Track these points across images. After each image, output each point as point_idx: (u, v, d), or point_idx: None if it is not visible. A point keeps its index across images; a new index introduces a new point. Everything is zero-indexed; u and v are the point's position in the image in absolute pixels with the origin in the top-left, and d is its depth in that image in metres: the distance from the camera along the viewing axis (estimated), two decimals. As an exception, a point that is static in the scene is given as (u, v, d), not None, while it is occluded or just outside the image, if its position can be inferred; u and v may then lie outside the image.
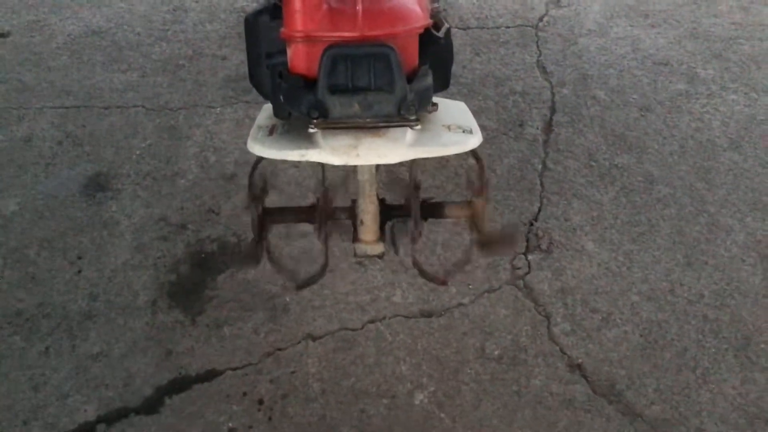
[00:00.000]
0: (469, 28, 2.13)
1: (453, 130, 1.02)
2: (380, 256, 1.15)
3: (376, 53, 0.85)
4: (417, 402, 1.18)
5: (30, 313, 1.33)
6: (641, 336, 1.29)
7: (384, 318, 1.31)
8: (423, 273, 1.23)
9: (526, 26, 2.13)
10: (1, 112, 1.81)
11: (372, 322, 1.31)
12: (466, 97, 1.85)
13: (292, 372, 1.23)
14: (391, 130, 0.98)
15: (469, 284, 1.37)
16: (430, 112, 1.02)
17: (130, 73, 1.93)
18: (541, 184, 1.61)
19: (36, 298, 1.35)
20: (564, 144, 1.71)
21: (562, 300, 1.35)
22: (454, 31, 2.10)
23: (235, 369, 1.23)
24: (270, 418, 1.16)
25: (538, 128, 1.76)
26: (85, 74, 1.94)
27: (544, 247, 1.46)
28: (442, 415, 1.17)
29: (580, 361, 1.25)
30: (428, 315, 1.32)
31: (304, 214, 1.17)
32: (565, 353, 1.26)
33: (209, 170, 1.62)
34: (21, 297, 1.36)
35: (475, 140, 1.00)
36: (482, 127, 1.65)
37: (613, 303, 1.35)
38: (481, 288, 1.37)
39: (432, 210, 1.19)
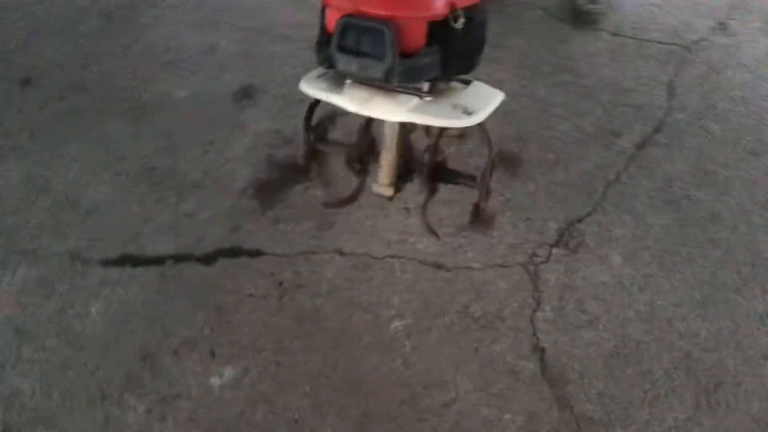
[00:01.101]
0: (619, 35, 2.19)
1: (456, 109, 1.22)
2: (389, 198, 1.39)
3: (374, 27, 1.07)
4: (392, 326, 1.42)
5: (161, 172, 1.76)
6: (614, 346, 1.40)
7: (402, 257, 1.55)
8: (427, 226, 1.45)
9: (678, 46, 2.14)
10: (198, 21, 2.28)
11: (392, 257, 1.55)
12: (579, 98, 1.95)
13: (313, 272, 1.52)
14: (402, 94, 1.21)
15: (487, 254, 1.56)
16: (445, 89, 1.22)
17: (305, 13, 2.30)
18: (604, 192, 1.71)
19: (168, 162, 1.79)
20: (648, 163, 1.78)
21: (560, 293, 1.48)
22: (601, 34, 2.18)
23: (274, 255, 1.55)
24: (281, 297, 1.47)
25: (631, 143, 1.83)
26: (270, 7, 2.35)
27: (571, 246, 1.58)
28: (406, 342, 1.40)
29: (545, 346, 1.40)
30: (438, 267, 1.53)
31: (344, 148, 1.45)
32: (535, 335, 1.41)
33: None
34: (160, 159, 1.80)
35: (465, 121, 1.20)
36: (576, 129, 1.79)
37: (606, 311, 1.45)
38: (495, 260, 1.55)
39: (441, 175, 1.40)
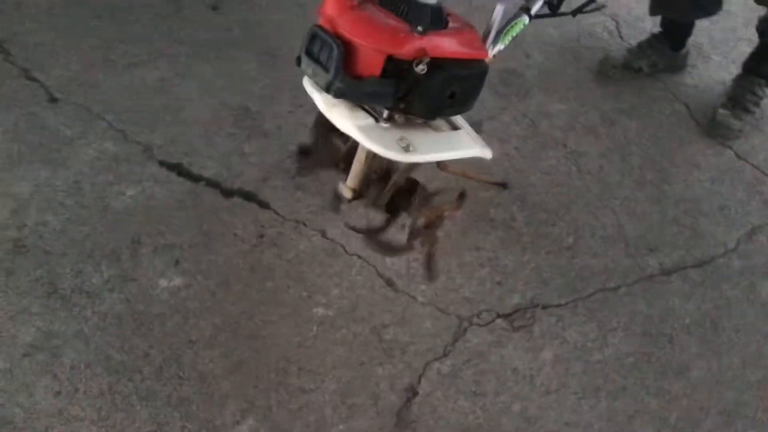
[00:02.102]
0: (744, 160, 2.03)
1: (399, 142, 1.32)
2: (348, 200, 1.51)
3: (329, 42, 1.21)
4: (314, 311, 1.59)
5: (251, 114, 2.07)
6: (477, 425, 1.43)
7: (367, 261, 1.68)
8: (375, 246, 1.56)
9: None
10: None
11: (359, 257, 1.69)
12: (644, 200, 1.88)
13: (291, 239, 1.73)
14: (362, 111, 1.34)
15: (437, 294, 1.64)
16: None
17: None
18: (589, 295, 1.67)
19: (259, 108, 2.09)
20: (659, 290, 1.69)
21: (469, 358, 1.53)
22: (725, 151, 2.03)
23: (275, 212, 1.78)
24: (254, 246, 1.71)
25: (660, 264, 1.74)
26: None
27: (516, 324, 1.61)
28: (315, 328, 1.56)
29: (419, 391, 1.48)
30: (389, 284, 1.65)
31: (341, 137, 1.56)
32: (419, 379, 1.50)
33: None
34: (257, 104, 2.11)
35: (395, 155, 1.29)
36: (615, 226, 1.75)
37: (496, 394, 1.48)
38: (439, 303, 1.63)
39: (394, 203, 1.50)
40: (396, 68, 1.23)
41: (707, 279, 1.73)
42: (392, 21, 1.24)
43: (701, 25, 2.43)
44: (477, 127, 2.03)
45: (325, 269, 1.68)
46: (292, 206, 1.81)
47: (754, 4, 1.97)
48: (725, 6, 2.41)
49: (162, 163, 1.90)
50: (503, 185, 1.90)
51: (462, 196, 1.49)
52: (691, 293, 1.69)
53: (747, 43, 2.37)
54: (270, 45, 2.33)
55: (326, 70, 1.23)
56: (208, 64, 2.23)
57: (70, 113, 2.02)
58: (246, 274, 1.65)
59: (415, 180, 1.49)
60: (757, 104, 2.09)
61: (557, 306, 1.65)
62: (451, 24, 1.32)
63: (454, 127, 1.46)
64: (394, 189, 1.46)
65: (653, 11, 2.20)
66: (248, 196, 1.83)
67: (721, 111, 2.08)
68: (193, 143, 1.95)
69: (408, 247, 1.49)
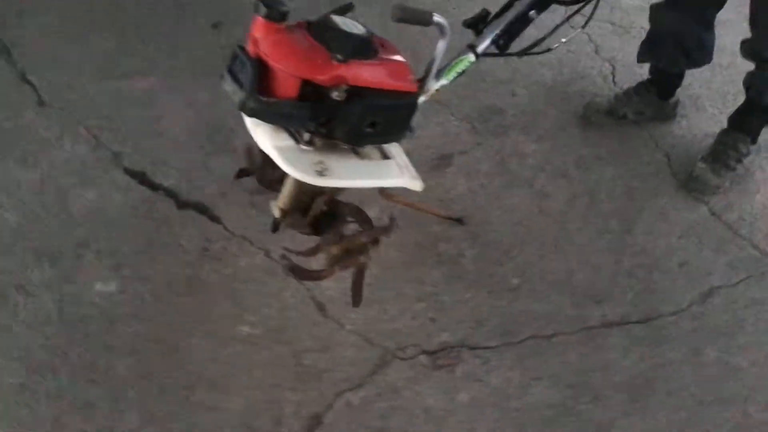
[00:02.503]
0: (717, 217, 1.96)
1: (315, 165, 1.31)
2: (275, 217, 1.50)
3: (245, 62, 1.23)
4: (238, 328, 1.59)
5: (219, 128, 2.10)
6: None
7: (303, 284, 1.68)
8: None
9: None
10: None
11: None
12: (603, 248, 1.82)
13: (234, 255, 1.74)
14: (284, 132, 1.35)
15: (366, 323, 1.62)
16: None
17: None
18: (521, 341, 1.62)
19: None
20: (599, 344, 1.63)
21: (382, 392, 1.50)
22: (698, 206, 1.97)
23: (224, 228, 1.79)
24: (196, 259, 1.72)
25: (603, 316, 1.68)
26: None
27: (439, 363, 1.57)
28: (238, 347, 1.56)
29: (324, 421, 1.45)
30: (320, 308, 1.64)
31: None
32: (329, 408, 1.47)
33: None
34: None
35: (306, 177, 1.29)
36: (566, 273, 1.70)
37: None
38: (367, 333, 1.60)
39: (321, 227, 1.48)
40: (315, 93, 1.24)
41: (650, 337, 1.65)
42: (313, 47, 1.25)
43: (701, 76, 2.37)
44: (447, 160, 2.03)
45: (260, 288, 1.68)
46: (243, 223, 1.82)
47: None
48: (730, 57, 2.35)
49: (126, 171, 1.95)
50: (459, 220, 1.87)
51: (388, 226, 1.47)
52: (629, 350, 1.62)
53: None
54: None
55: (239, 86, 1.25)
56: (197, 79, 2.27)
57: (52, 117, 2.10)
58: (181, 285, 1.67)
59: (340, 206, 1.48)
60: (739, 161, 2.01)
61: (486, 348, 1.61)
62: (381, 54, 1.32)
63: (385, 156, 1.45)
64: (317, 212, 1.46)
65: (640, 58, 2.16)
66: (202, 210, 1.85)
67: (700, 165, 2.01)
68: (161, 154, 1.99)
69: (325, 273, 1.47)
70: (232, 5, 2.61)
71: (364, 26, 1.31)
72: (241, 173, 1.67)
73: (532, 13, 1.47)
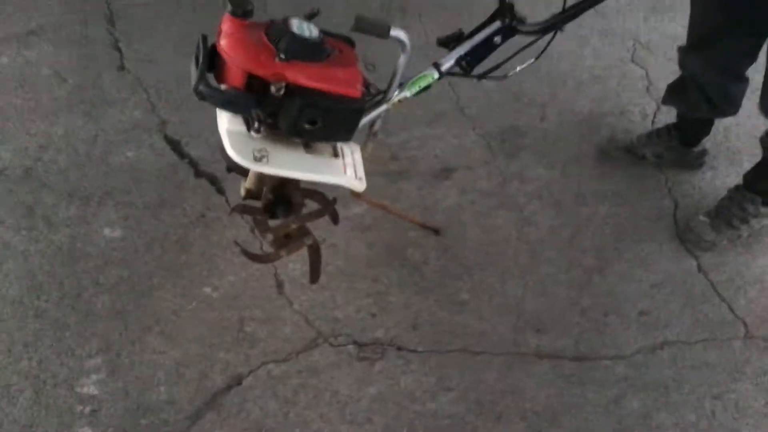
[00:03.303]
0: (705, 272, 1.89)
1: (255, 152, 1.43)
2: (243, 198, 1.67)
3: (200, 49, 1.40)
4: (203, 290, 1.81)
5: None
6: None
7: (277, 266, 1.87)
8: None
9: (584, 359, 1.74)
10: None
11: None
12: (571, 284, 1.84)
13: (225, 225, 1.96)
14: (239, 118, 1.49)
15: (312, 307, 1.78)
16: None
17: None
18: (438, 349, 1.70)
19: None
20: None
21: (286, 383, 1.66)
22: (689, 261, 1.91)
23: (225, 199, 2.02)
24: (192, 223, 1.96)
25: (536, 345, 1.72)
26: None
27: (363, 355, 1.69)
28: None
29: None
30: (279, 286, 1.82)
31: None
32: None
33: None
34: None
35: (247, 162, 1.42)
36: (515, 302, 1.78)
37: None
38: (310, 316, 1.76)
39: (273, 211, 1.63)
40: (260, 86, 1.37)
41: (577, 375, 1.67)
42: (262, 44, 1.35)
43: (745, 126, 2.26)
44: (448, 173, 2.12)
45: (233, 258, 1.88)
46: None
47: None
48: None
49: (166, 137, 2.22)
50: (436, 231, 1.96)
51: (318, 211, 1.59)
52: (551, 382, 1.65)
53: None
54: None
55: (196, 70, 1.41)
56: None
57: (125, 82, 2.43)
58: (171, 242, 1.92)
59: (290, 193, 1.62)
60: (744, 221, 1.92)
61: (411, 351, 1.70)
62: (330, 59, 1.39)
63: (336, 155, 1.56)
64: (266, 199, 1.61)
65: (665, 101, 2.10)
66: (213, 181, 2.09)
67: (700, 217, 1.94)
68: (199, 128, 2.24)
69: (271, 257, 1.62)
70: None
71: (324, 31, 1.41)
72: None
73: (496, 39, 1.51)
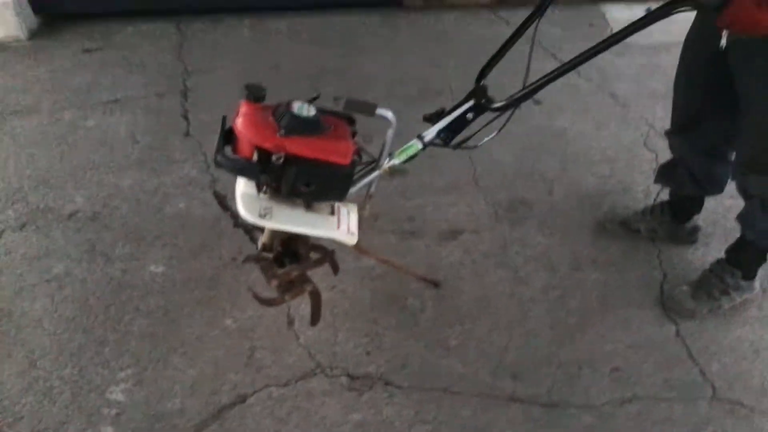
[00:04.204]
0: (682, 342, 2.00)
1: (261, 209, 1.75)
2: (259, 250, 1.94)
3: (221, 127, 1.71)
4: (225, 321, 2.08)
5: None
6: None
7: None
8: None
9: (552, 406, 1.85)
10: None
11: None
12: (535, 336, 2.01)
13: (252, 267, 2.24)
14: (252, 182, 1.80)
15: (316, 342, 2.01)
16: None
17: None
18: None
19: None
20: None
21: (299, 399, 1.88)
22: (667, 327, 2.05)
23: (255, 246, 2.32)
24: (225, 264, 2.26)
25: (511, 390, 1.88)
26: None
27: (352, 386, 1.90)
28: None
29: (248, 401, 1.87)
30: (289, 322, 2.07)
31: None
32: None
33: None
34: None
35: (251, 217, 1.70)
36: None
37: None
38: (310, 347, 2.00)
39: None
40: (265, 156, 1.63)
41: (545, 419, 1.82)
42: (267, 123, 1.63)
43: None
44: (455, 235, 2.37)
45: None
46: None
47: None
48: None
49: (215, 193, 2.56)
50: (435, 284, 2.18)
51: (317, 261, 1.85)
52: (519, 424, 1.81)
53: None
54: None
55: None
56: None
57: (188, 146, 2.81)
58: (204, 280, 2.21)
59: (297, 246, 1.86)
60: (724, 293, 2.04)
61: (397, 386, 1.90)
62: (324, 134, 1.65)
63: (332, 213, 1.80)
64: (276, 251, 1.85)
65: (656, 179, 2.28)
66: (248, 231, 2.39)
67: (683, 287, 2.08)
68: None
69: (277, 300, 1.85)
70: (351, 83, 3.20)
71: (323, 110, 1.69)
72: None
73: (468, 115, 1.73)
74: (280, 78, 3.28)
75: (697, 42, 1.88)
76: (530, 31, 1.72)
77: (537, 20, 1.68)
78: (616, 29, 3.56)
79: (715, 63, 1.79)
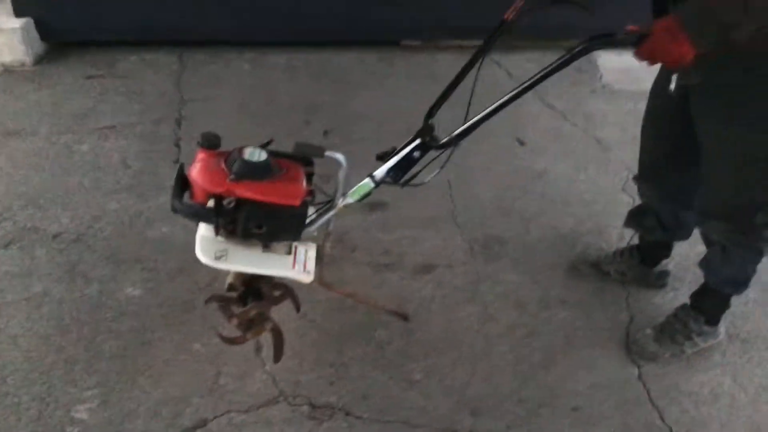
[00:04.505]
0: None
1: (216, 250, 1.77)
2: (226, 289, 1.97)
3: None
4: (193, 345, 2.12)
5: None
6: None
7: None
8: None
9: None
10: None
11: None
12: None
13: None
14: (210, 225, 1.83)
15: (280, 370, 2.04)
16: None
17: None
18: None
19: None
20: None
21: (258, 426, 1.91)
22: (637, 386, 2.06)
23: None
24: (201, 288, 2.31)
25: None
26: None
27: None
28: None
29: None
30: (257, 350, 2.11)
31: None
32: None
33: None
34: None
35: (206, 260, 1.73)
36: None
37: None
38: (275, 375, 2.03)
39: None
40: (217, 201, 1.68)
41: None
42: (218, 169, 1.68)
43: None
44: (429, 269, 2.41)
45: (224, 322, 2.17)
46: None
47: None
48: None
49: (197, 219, 2.61)
50: (405, 317, 2.21)
51: (276, 299, 1.87)
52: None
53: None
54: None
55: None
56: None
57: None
58: (178, 304, 2.26)
59: (260, 285, 1.89)
60: (687, 337, 2.06)
61: (357, 417, 1.93)
62: (274, 177, 1.70)
63: (289, 252, 1.81)
64: (240, 288, 1.88)
65: (625, 224, 2.32)
66: (226, 258, 2.43)
67: (646, 330, 2.10)
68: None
69: (239, 339, 1.88)
70: (342, 118, 3.27)
71: (277, 154, 1.75)
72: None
73: (415, 154, 1.76)
74: (273, 110, 3.36)
75: (661, 90, 1.93)
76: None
77: (481, 60, 1.74)
78: (606, 76, 3.78)
79: (677, 111, 1.84)
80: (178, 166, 1.76)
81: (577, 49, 1.52)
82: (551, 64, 1.56)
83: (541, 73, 1.57)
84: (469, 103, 1.76)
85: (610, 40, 1.53)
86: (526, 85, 1.59)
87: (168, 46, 3.93)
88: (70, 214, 2.62)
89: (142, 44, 3.91)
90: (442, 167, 1.82)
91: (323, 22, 3.92)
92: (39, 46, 3.76)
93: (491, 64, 3.70)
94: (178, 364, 2.06)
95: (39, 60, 3.73)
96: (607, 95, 3.52)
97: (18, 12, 3.66)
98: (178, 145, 3.08)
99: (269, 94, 3.52)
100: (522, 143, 3.11)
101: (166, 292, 2.29)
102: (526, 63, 3.70)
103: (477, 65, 1.74)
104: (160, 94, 3.50)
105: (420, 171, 1.80)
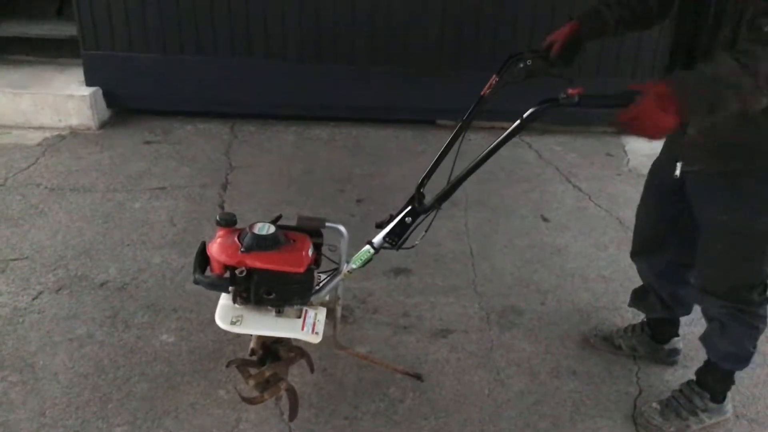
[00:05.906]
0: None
1: (233, 316, 1.94)
2: (249, 355, 2.12)
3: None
4: (219, 392, 2.26)
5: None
6: None
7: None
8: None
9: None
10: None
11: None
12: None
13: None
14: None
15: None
16: None
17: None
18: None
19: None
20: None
21: (273, 465, 2.01)
22: None
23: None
24: (225, 334, 2.46)
25: (471, 484, 1.96)
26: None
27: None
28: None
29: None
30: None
31: None
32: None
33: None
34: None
35: (224, 324, 1.90)
36: None
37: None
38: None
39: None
40: (231, 271, 1.88)
41: None
42: (232, 243, 1.89)
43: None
44: (445, 334, 2.53)
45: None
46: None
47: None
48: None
49: (232, 276, 2.79)
50: (418, 377, 2.32)
51: (288, 361, 2.02)
52: None
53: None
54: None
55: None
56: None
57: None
58: (208, 352, 2.41)
59: (276, 349, 2.04)
60: (693, 413, 2.10)
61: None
62: (281, 247, 1.89)
63: (299, 316, 1.97)
64: (258, 354, 2.04)
65: (630, 303, 2.40)
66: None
67: (653, 404, 2.15)
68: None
69: (257, 399, 2.01)
70: (375, 189, 3.47)
71: (285, 227, 1.94)
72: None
73: (407, 219, 1.91)
74: (312, 179, 3.59)
75: (658, 171, 2.06)
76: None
77: (462, 134, 1.93)
78: (632, 161, 3.92)
79: (673, 192, 1.96)
80: (200, 243, 1.97)
81: (525, 116, 1.58)
82: (507, 131, 1.66)
83: (500, 140, 1.69)
84: (450, 173, 1.93)
85: (554, 104, 1.55)
86: (489, 150, 1.72)
87: (221, 118, 4.26)
88: (117, 265, 2.84)
89: (197, 114, 4.24)
90: (426, 231, 1.96)
91: (364, 101, 4.20)
92: (104, 113, 4.13)
93: (523, 145, 3.88)
94: (203, 408, 2.19)
95: (103, 125, 4.08)
96: (633, 178, 3.65)
97: (89, 81, 4.04)
98: (222, 207, 3.30)
99: (309, 163, 3.76)
100: (546, 220, 3.24)
101: (196, 341, 2.46)
102: (556, 146, 3.86)
103: (459, 140, 1.94)
104: (210, 161, 3.78)
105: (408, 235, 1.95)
